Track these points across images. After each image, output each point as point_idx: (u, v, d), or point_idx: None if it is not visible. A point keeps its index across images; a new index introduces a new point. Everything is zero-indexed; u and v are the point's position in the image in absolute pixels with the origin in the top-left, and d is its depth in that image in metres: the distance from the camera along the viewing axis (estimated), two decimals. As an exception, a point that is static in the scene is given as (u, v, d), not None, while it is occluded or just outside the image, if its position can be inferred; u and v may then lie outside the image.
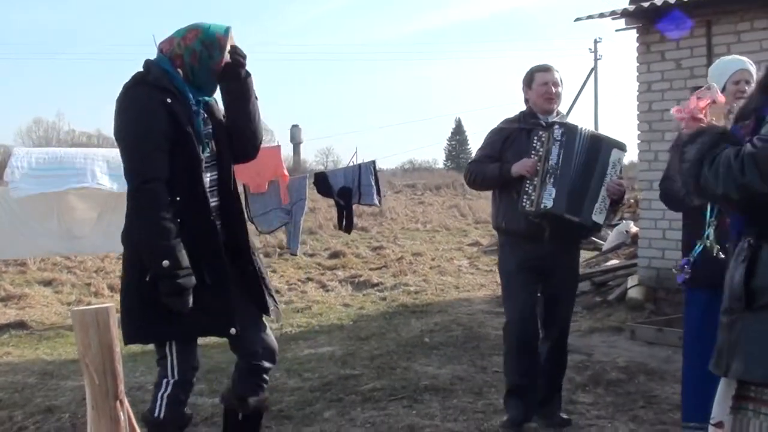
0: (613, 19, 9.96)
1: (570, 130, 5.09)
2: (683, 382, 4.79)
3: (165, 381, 3.95)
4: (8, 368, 7.89)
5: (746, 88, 4.32)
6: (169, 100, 3.78)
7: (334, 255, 15.81)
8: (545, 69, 5.37)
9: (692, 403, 4.59)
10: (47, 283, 13.21)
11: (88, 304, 9.26)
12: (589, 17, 10.31)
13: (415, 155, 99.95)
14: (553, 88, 5.28)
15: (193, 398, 5.42)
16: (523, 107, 5.45)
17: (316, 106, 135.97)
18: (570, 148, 5.05)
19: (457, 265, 14.60)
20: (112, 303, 3.13)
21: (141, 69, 3.94)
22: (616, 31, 10.24)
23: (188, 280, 3.74)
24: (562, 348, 5.49)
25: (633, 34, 10.03)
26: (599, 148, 5.14)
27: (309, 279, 13.15)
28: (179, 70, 3.91)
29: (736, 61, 4.60)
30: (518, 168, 5.09)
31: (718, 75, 4.60)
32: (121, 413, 3.01)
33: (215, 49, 3.91)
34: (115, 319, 3.01)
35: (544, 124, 5.23)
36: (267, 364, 4.17)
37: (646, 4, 9.45)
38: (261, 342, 4.14)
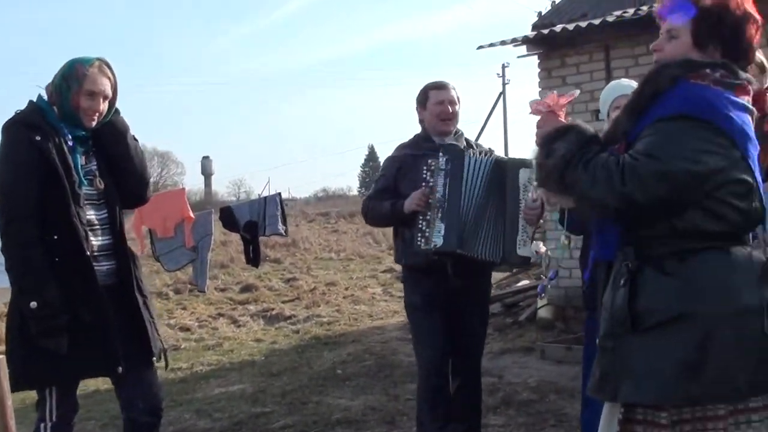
0: (514, 46, 10.14)
1: (456, 157, 4.61)
2: (582, 401, 4.82)
3: (42, 425, 3.84)
4: None
5: None
6: (38, 138, 3.71)
7: (246, 289, 15.62)
8: (440, 86, 4.95)
9: (590, 420, 4.62)
10: None
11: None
12: (491, 45, 10.47)
13: (329, 183, 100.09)
14: (449, 107, 4.87)
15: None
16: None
17: (226, 137, 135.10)
18: (457, 177, 4.57)
19: (371, 293, 14.58)
20: (2, 355, 3.01)
21: None
22: (518, 57, 10.44)
23: (58, 320, 3.64)
24: (475, 390, 5.05)
25: (536, 60, 10.22)
26: (504, 173, 4.64)
27: (220, 315, 12.95)
28: (54, 107, 3.86)
29: (618, 87, 4.66)
30: (409, 204, 4.64)
31: (603, 101, 4.66)
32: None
33: (73, 79, 3.82)
34: (6, 371, 2.89)
35: (437, 146, 4.79)
36: (148, 419, 4.05)
37: (546, 31, 9.66)
38: (143, 395, 4.02)
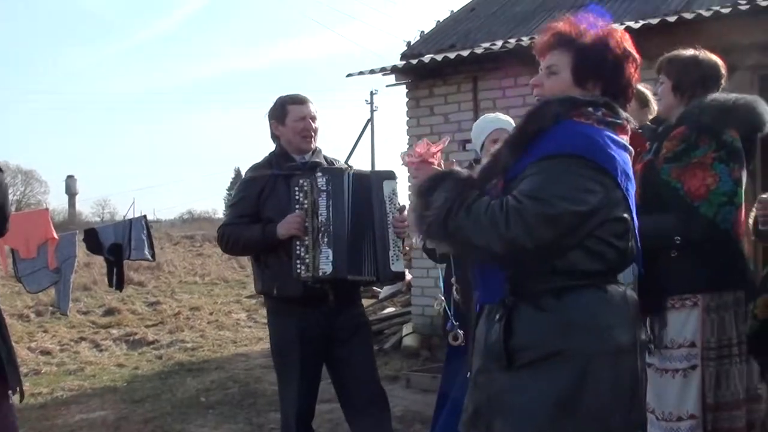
0: (384, 75, 10.23)
1: (335, 176, 4.36)
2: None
3: None
4: None
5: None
6: None
7: (109, 312, 15.31)
8: (300, 101, 4.62)
9: None
10: None
11: None
12: (361, 73, 10.56)
13: (194, 206, 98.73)
14: (311, 122, 4.58)
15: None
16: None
17: (92, 156, 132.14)
18: (339, 197, 4.31)
19: (236, 318, 14.49)
20: None
21: None
22: (387, 86, 10.54)
23: None
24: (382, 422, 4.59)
25: (404, 89, 10.34)
26: (369, 186, 4.43)
27: (82, 338, 12.63)
28: None
29: (496, 120, 4.76)
30: (285, 229, 4.28)
31: (478, 133, 4.76)
32: None
33: None
34: None
35: (300, 165, 4.54)
36: None
37: (414, 61, 9.79)
38: None
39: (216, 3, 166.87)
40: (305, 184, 4.32)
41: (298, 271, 4.26)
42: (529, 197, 2.50)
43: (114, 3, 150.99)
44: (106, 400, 8.37)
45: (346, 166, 4.82)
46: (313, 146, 4.62)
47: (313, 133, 4.59)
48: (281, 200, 4.40)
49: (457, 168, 2.78)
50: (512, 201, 2.51)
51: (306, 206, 4.29)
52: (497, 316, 2.66)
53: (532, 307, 2.60)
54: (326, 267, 4.21)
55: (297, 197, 4.32)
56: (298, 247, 4.27)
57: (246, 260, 25.23)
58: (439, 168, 2.83)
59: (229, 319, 14.32)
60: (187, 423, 7.12)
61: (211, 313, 15.19)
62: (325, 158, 4.73)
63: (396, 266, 4.34)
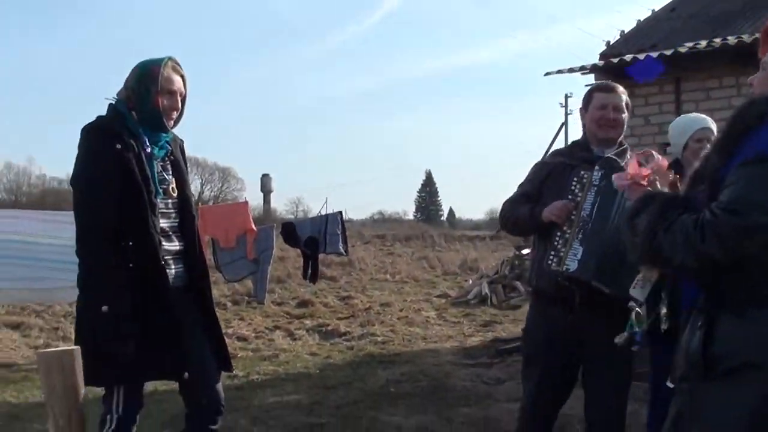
0: (582, 74, 10.05)
1: (612, 173, 3.68)
2: None
3: (109, 417, 3.93)
4: (-28, 411, 7.78)
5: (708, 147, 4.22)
6: (118, 146, 3.79)
7: (302, 304, 15.75)
8: (607, 89, 4.42)
9: None
10: (15, 326, 13.04)
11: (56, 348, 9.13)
12: (559, 72, 10.41)
13: (385, 206, 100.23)
14: (612, 113, 4.29)
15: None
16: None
17: (287, 156, 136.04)
18: (609, 198, 3.95)
19: (425, 316, 14.56)
20: (77, 346, 3.11)
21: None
22: (586, 86, 10.35)
23: (128, 326, 3.72)
24: None
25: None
26: None
27: (276, 327, 13.07)
28: (133, 113, 3.93)
29: (699, 120, 4.63)
30: (548, 212, 4.10)
31: (679, 133, 4.63)
32: (84, 457, 2.94)
33: (150, 82, 3.90)
34: (80, 362, 2.99)
35: (594, 158, 4.25)
36: (210, 415, 4.15)
37: (615, 60, 9.58)
38: (207, 394, 4.12)
39: (410, 5, 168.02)
40: (585, 176, 4.08)
41: (550, 262, 4.06)
42: (725, 210, 2.40)
43: (305, 8, 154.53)
44: (300, 385, 8.61)
45: None
46: (614, 137, 4.34)
47: (613, 124, 4.31)
48: (561, 189, 4.20)
49: (663, 190, 2.77)
50: (708, 215, 2.43)
51: (578, 198, 4.06)
52: (699, 323, 2.60)
53: (735, 316, 2.51)
54: (571, 264, 3.96)
55: (573, 187, 4.11)
56: (557, 238, 4.07)
57: (436, 261, 25.55)
58: (649, 189, 2.82)
59: (418, 317, 14.42)
60: (378, 411, 7.21)
61: (401, 310, 15.36)
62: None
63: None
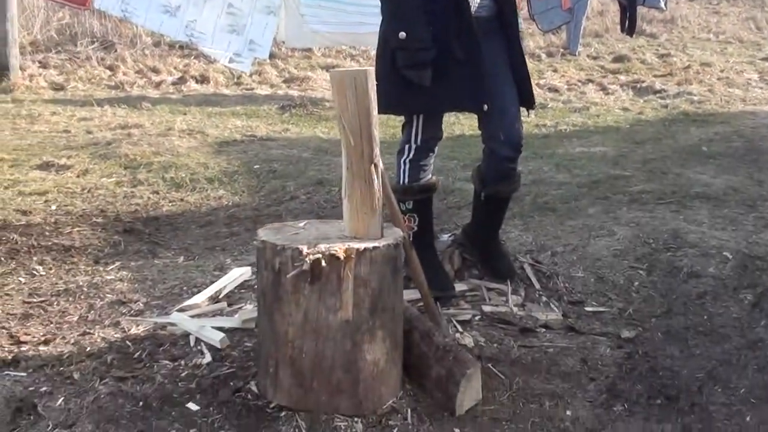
0: None
1: None
2: None
3: (407, 146, 4.08)
4: (286, 143, 8.41)
5: None
6: None
7: (618, 59, 15.30)
8: None
9: None
10: (330, 67, 13.40)
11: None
12: None
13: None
14: None
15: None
16: None
17: None
18: None
19: (747, 78, 13.76)
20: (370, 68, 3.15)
21: None
22: None
23: (425, 54, 3.73)
24: None
25: None
26: None
27: (590, 80, 12.87)
28: None
29: None
30: None
31: None
32: (375, 176, 3.11)
33: None
34: (373, 83, 3.08)
35: None
36: (507, 152, 4.13)
37: None
38: (505, 128, 4.07)
39: None
40: None
41: None
42: None
43: None
44: (607, 137, 8.58)
45: None
46: None
47: None
48: None
49: None
50: None
51: None
52: None
53: None
54: None
55: None
56: None
57: (764, 22, 23.90)
58: None
59: (739, 78, 13.66)
60: (685, 168, 7.07)
61: (721, 71, 14.60)
62: None
63: None
